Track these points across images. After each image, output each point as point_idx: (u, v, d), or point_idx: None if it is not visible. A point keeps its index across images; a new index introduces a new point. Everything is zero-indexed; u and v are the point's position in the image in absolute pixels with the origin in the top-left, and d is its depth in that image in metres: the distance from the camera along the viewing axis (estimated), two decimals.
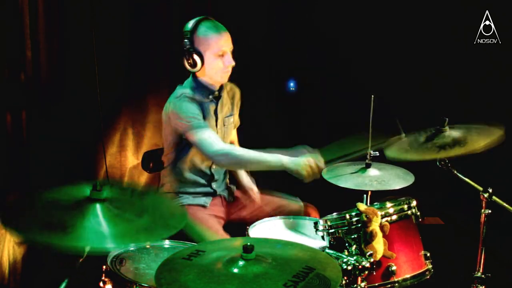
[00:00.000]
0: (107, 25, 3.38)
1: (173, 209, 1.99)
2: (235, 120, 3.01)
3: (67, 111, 3.25)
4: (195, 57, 2.69)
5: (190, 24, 2.72)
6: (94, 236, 1.62)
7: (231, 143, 3.07)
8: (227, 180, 3.02)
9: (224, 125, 2.89)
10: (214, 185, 2.91)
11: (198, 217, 2.74)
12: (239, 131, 3.12)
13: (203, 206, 2.84)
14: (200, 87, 2.78)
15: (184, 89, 2.77)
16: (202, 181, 2.88)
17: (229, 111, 2.93)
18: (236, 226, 2.92)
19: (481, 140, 2.40)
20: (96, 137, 3.43)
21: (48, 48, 3.16)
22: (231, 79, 2.92)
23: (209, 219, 2.77)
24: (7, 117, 3.00)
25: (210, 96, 2.80)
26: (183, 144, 2.81)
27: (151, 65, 3.68)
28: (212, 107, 2.82)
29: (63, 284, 1.71)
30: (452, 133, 2.51)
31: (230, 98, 2.95)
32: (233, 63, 2.73)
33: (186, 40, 2.70)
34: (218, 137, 2.71)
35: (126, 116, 3.59)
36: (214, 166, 2.89)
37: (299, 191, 3.83)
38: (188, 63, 2.72)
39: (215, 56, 2.69)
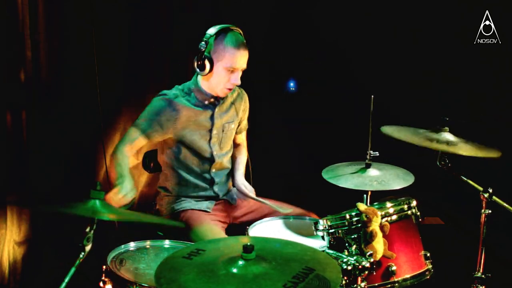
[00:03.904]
0: (107, 25, 3.37)
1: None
2: (243, 124, 3.02)
3: (67, 111, 3.25)
4: (206, 62, 2.66)
5: (215, 29, 2.68)
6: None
7: (238, 145, 3.09)
8: (230, 184, 3.01)
9: (223, 131, 2.86)
10: (216, 188, 2.89)
11: (201, 222, 2.72)
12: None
13: (206, 212, 2.83)
14: (199, 92, 2.78)
15: (172, 90, 2.79)
16: (203, 184, 2.86)
17: (231, 117, 2.90)
18: (236, 226, 2.92)
19: (470, 152, 2.42)
20: (96, 137, 3.43)
21: (48, 48, 3.15)
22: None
23: (212, 224, 2.75)
24: (7, 117, 3.00)
25: (206, 102, 2.79)
26: (171, 144, 2.82)
27: (151, 65, 3.67)
28: (207, 113, 2.80)
29: (70, 274, 1.73)
30: (448, 136, 2.52)
31: (236, 104, 2.92)
32: (239, 83, 2.70)
33: (203, 43, 2.67)
34: (133, 139, 2.72)
35: (126, 116, 3.59)
36: (213, 170, 2.87)
37: (299, 191, 3.84)
38: (198, 64, 2.69)
39: (225, 69, 2.66)
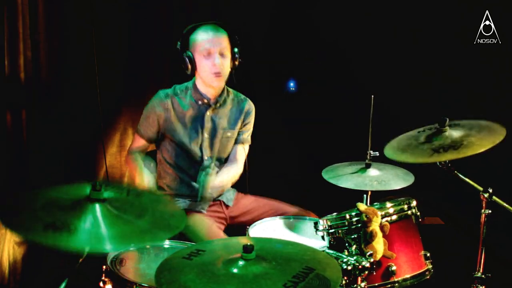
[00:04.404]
0: (107, 25, 3.38)
1: (172, 208, 1.96)
2: (242, 135, 2.95)
3: (67, 111, 3.25)
4: (185, 58, 2.73)
5: (187, 28, 2.77)
6: (94, 238, 1.62)
7: (232, 160, 2.93)
8: None
9: (215, 137, 2.84)
10: (209, 189, 2.88)
11: (197, 222, 2.72)
12: None
13: (201, 212, 2.82)
14: (195, 91, 2.81)
15: (167, 89, 2.83)
16: (196, 185, 2.86)
17: (228, 124, 2.88)
18: (236, 227, 2.92)
19: (480, 145, 2.37)
20: (96, 137, 3.43)
21: (48, 48, 3.16)
22: (238, 88, 2.94)
23: (208, 223, 2.75)
24: (7, 117, 3.00)
25: (200, 102, 2.80)
26: (166, 143, 2.84)
27: (151, 65, 3.68)
28: (198, 114, 2.81)
29: (63, 284, 1.72)
30: (452, 133, 2.49)
31: (236, 111, 2.90)
32: (219, 63, 2.70)
33: (178, 42, 2.76)
34: (137, 142, 2.87)
35: (126, 116, 3.59)
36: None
37: (299, 191, 3.84)
38: (181, 65, 2.77)
39: (202, 56, 2.71)
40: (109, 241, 1.61)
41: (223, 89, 2.86)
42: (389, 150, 2.48)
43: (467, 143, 2.36)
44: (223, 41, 2.73)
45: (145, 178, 2.75)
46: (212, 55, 2.70)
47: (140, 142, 2.87)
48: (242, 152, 2.95)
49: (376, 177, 2.58)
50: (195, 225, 2.67)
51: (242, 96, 2.96)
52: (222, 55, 2.72)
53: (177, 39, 2.81)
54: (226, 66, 2.74)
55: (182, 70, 2.83)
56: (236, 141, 2.95)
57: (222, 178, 2.83)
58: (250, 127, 2.98)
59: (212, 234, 2.63)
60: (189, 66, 2.74)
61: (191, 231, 2.62)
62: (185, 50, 2.74)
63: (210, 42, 2.70)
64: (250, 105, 2.96)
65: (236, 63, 2.81)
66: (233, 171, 2.90)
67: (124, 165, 3.61)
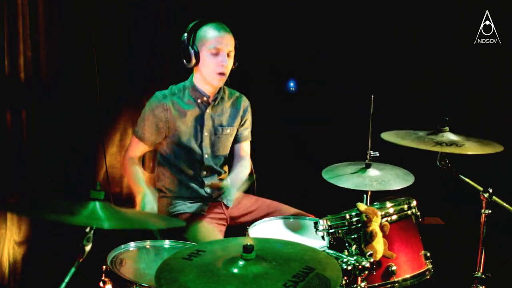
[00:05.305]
0: (107, 25, 3.37)
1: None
2: (243, 133, 2.98)
3: (67, 111, 3.25)
4: (190, 51, 2.71)
5: (195, 22, 2.75)
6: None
7: (240, 157, 2.99)
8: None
9: (215, 134, 2.85)
10: (208, 190, 2.88)
11: (197, 227, 2.71)
12: None
13: (200, 214, 2.82)
14: (193, 88, 2.80)
15: (164, 91, 2.81)
16: (195, 185, 2.86)
17: (227, 122, 2.89)
18: (236, 227, 2.92)
19: (478, 149, 2.40)
20: (96, 137, 3.43)
21: (48, 48, 3.16)
22: (238, 88, 2.93)
23: (208, 225, 2.75)
24: (7, 116, 3.00)
25: (199, 100, 2.80)
26: (164, 144, 2.83)
27: (151, 65, 3.67)
28: (198, 112, 2.81)
29: (70, 273, 1.72)
30: (451, 136, 2.51)
31: (233, 108, 2.91)
32: (226, 64, 2.70)
33: (185, 34, 2.73)
34: (136, 146, 2.83)
35: (126, 116, 3.59)
36: (204, 172, 2.87)
37: (299, 191, 3.84)
38: (184, 57, 2.74)
39: (210, 53, 2.69)
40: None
41: (220, 87, 2.87)
42: (388, 136, 2.53)
43: (468, 145, 2.39)
44: (231, 41, 2.74)
45: (141, 186, 2.71)
46: (220, 54, 2.70)
47: (138, 145, 2.83)
48: (247, 148, 3.01)
49: (376, 177, 2.58)
50: (195, 229, 2.67)
51: (237, 93, 2.97)
52: (228, 55, 2.72)
53: (177, 39, 2.81)
54: (229, 67, 2.75)
55: (182, 69, 2.82)
56: (239, 140, 2.98)
57: (240, 176, 2.86)
58: (249, 124, 3.00)
59: (211, 237, 2.63)
60: (194, 61, 2.72)
61: (192, 236, 2.62)
62: (192, 44, 2.72)
63: (220, 42, 2.69)
64: (246, 101, 2.98)
65: (235, 65, 2.81)
66: (246, 167, 2.94)
67: None
